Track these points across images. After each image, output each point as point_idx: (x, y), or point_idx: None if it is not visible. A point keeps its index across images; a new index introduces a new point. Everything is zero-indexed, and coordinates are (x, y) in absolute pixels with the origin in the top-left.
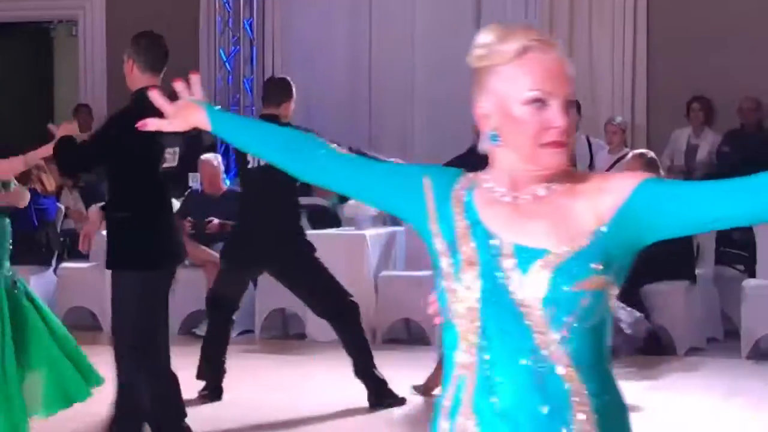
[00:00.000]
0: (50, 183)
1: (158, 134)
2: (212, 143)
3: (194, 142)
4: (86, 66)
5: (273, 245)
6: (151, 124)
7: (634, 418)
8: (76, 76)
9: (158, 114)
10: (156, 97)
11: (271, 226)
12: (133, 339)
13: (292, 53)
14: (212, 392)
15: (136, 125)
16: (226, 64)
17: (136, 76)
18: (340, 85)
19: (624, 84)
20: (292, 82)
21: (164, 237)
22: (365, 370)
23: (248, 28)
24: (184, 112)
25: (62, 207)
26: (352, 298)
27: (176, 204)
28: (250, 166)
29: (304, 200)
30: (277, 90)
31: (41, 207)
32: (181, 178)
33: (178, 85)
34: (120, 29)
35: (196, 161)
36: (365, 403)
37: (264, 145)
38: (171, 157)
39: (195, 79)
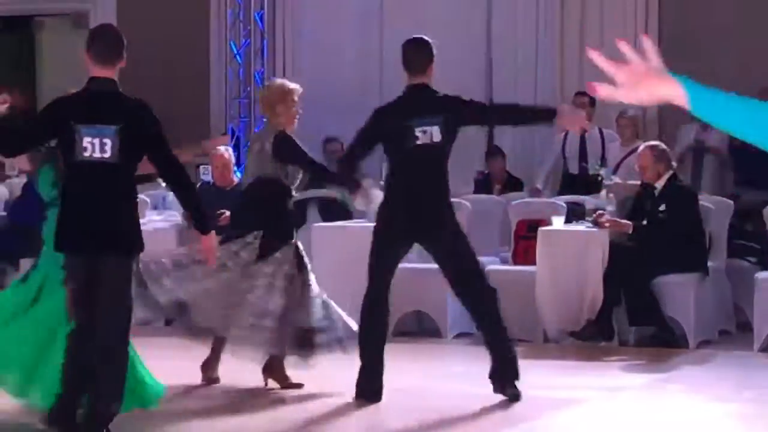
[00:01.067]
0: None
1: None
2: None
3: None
4: None
5: (434, 216)
6: (601, 91)
7: (645, 411)
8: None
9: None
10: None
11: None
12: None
13: (303, 46)
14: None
15: None
16: (237, 56)
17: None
18: (351, 77)
19: None
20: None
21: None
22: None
23: (259, 21)
24: (646, 81)
25: None
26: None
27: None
28: (419, 142)
29: (314, 192)
30: (421, 55)
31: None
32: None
33: (622, 45)
34: (131, 22)
35: None
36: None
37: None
38: (91, 147)
39: (648, 41)
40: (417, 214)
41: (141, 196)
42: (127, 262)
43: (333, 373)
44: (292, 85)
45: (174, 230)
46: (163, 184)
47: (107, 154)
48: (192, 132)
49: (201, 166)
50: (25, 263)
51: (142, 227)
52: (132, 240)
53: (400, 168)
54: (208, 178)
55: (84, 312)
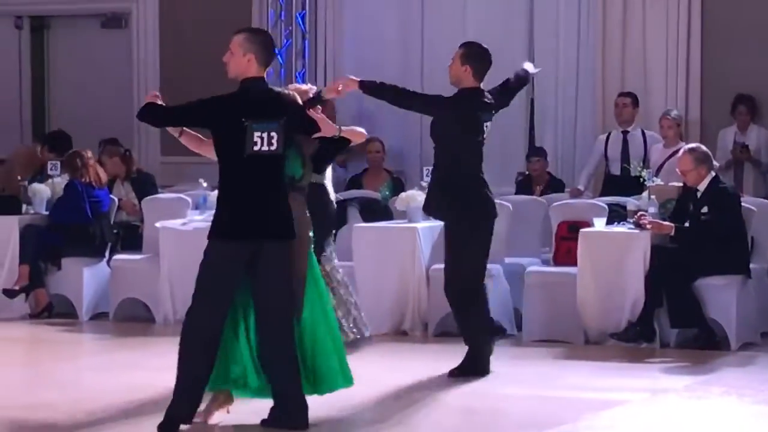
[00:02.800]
0: (104, 175)
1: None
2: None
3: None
4: (139, 59)
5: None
6: None
7: (686, 413)
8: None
9: (258, 106)
10: None
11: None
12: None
13: (344, 46)
14: None
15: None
16: (279, 57)
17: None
18: (392, 78)
19: (678, 79)
20: None
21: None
22: None
23: (300, 21)
24: None
25: (115, 199)
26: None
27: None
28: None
29: (355, 193)
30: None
31: (95, 199)
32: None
33: None
34: (173, 23)
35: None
36: (413, 397)
37: None
38: (260, 141)
39: None
40: None
41: (182, 196)
42: None
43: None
44: (304, 87)
45: None
46: (205, 184)
47: (273, 147)
48: None
49: None
50: (67, 262)
51: (183, 227)
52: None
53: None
54: None
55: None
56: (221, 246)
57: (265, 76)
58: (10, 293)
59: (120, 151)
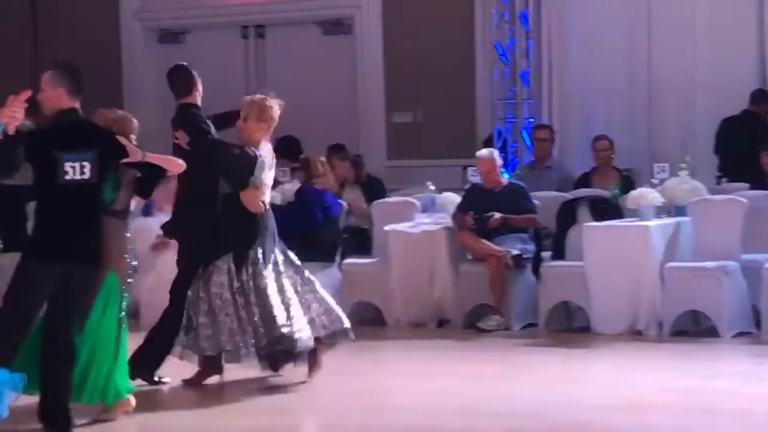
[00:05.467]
0: (335, 181)
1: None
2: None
3: None
4: (363, 64)
5: None
6: None
7: None
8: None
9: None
10: None
11: None
12: None
13: (569, 45)
14: None
15: None
16: (502, 57)
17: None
18: (618, 76)
19: None
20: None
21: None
22: None
23: (524, 21)
24: None
25: (345, 204)
26: None
27: (457, 198)
28: None
29: (585, 192)
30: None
31: (325, 204)
32: None
33: None
34: (397, 25)
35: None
36: (648, 399)
37: None
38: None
39: None
40: None
41: (410, 199)
42: None
43: None
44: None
45: (444, 232)
46: (432, 186)
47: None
48: (458, 133)
49: (469, 168)
50: None
51: (411, 230)
52: None
53: None
54: (477, 179)
55: None
56: (31, 265)
57: (77, 106)
58: None
59: (351, 156)
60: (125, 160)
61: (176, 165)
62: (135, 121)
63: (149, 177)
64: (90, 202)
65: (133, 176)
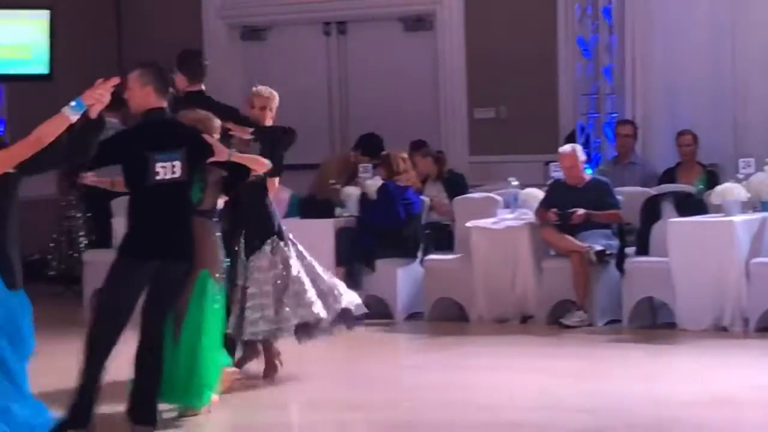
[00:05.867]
0: (416, 177)
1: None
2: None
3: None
4: (444, 61)
5: None
6: None
7: None
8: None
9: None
10: None
11: None
12: None
13: (653, 39)
14: None
15: None
16: (585, 52)
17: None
18: (703, 71)
19: None
20: None
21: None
22: None
23: (607, 15)
24: None
25: (427, 200)
26: None
27: (540, 194)
28: None
29: (669, 187)
30: None
31: (407, 201)
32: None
33: None
34: (479, 21)
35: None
36: (736, 395)
37: None
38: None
39: None
40: None
41: (492, 195)
42: None
43: None
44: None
45: (527, 228)
46: (515, 182)
47: (176, 175)
48: (540, 129)
49: (551, 164)
50: (381, 263)
51: (494, 226)
52: None
53: None
54: (560, 175)
55: None
56: (127, 263)
57: (165, 105)
58: None
59: (433, 152)
60: (212, 159)
61: (261, 164)
62: (217, 121)
63: (236, 177)
64: (182, 201)
65: (219, 176)
